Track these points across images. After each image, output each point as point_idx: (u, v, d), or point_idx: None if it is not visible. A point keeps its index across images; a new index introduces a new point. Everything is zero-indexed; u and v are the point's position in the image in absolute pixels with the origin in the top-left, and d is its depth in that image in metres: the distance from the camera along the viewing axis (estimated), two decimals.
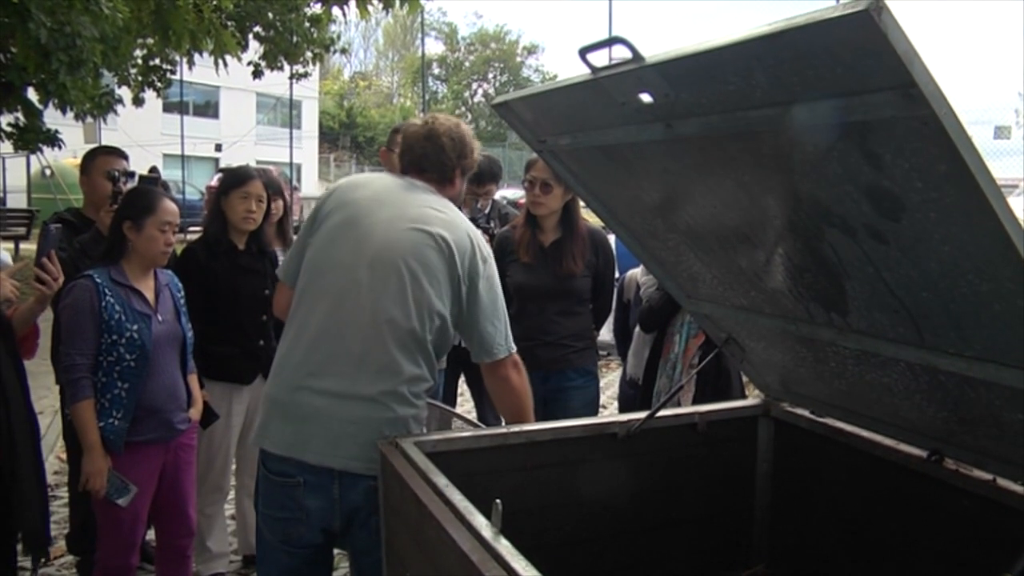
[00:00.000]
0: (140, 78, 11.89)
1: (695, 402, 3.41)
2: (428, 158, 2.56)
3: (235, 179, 3.77)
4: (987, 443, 2.04)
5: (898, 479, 2.38)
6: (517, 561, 1.61)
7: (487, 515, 1.80)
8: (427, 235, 2.40)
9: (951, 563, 2.21)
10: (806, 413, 2.73)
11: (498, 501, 1.77)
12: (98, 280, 3.05)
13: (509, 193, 21.32)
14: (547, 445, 2.52)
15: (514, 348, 2.52)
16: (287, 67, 12.06)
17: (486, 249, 2.51)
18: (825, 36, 1.22)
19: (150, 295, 3.18)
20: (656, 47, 1.58)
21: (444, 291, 2.41)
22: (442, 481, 2.02)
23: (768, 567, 2.89)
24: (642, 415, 2.66)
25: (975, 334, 1.68)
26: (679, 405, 2.96)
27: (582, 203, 2.94)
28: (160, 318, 3.17)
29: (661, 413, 2.68)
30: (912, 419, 2.20)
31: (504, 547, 1.67)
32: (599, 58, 1.75)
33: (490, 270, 2.49)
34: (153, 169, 17.18)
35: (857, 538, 2.56)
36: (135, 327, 3.05)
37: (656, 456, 2.72)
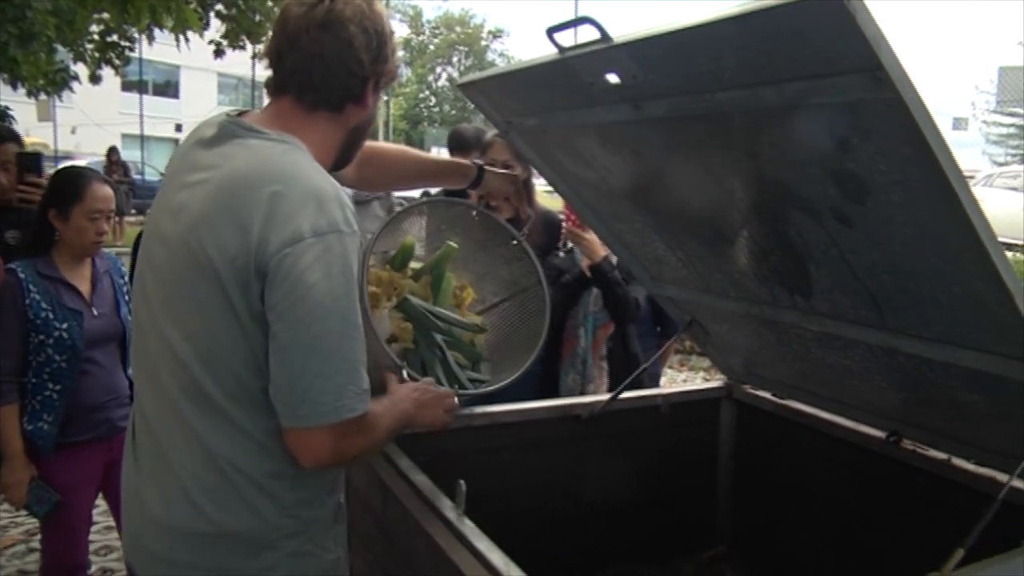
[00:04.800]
0: (97, 54, 11.63)
1: (610, 392, 3.39)
2: (325, 62, 1.54)
3: None
4: (943, 424, 2.08)
5: (858, 459, 2.41)
6: (481, 541, 1.61)
7: (451, 497, 1.80)
8: (175, 230, 1.51)
9: (908, 540, 2.25)
10: (768, 395, 2.75)
11: (462, 482, 1.77)
12: (22, 275, 2.83)
13: None
14: (511, 427, 2.51)
15: (354, 410, 1.46)
16: (249, 46, 11.89)
17: (312, 221, 1.41)
18: (794, 18, 1.22)
19: (85, 287, 2.96)
20: (625, 29, 1.58)
21: (230, 309, 1.46)
22: (405, 463, 2.02)
23: (730, 547, 2.92)
24: (605, 397, 2.68)
25: (935, 316, 1.70)
26: (640, 388, 2.96)
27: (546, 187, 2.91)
28: (95, 312, 2.95)
29: (625, 395, 2.69)
30: (872, 400, 2.24)
31: (469, 528, 1.67)
32: (567, 38, 1.74)
33: (305, 264, 1.40)
34: (112, 150, 16.91)
35: (817, 517, 2.60)
36: (64, 326, 2.84)
37: (619, 438, 2.73)
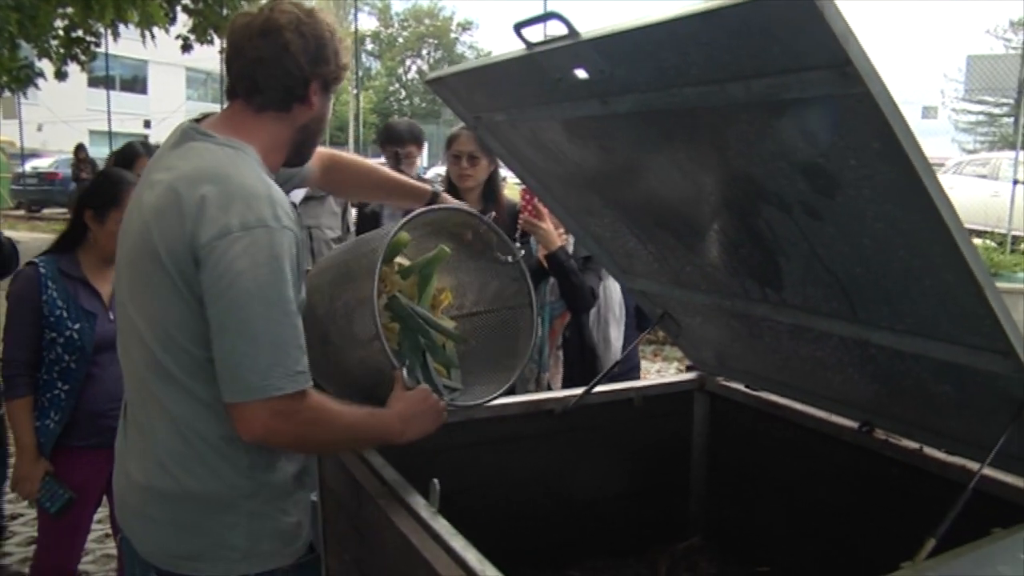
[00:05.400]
0: (62, 50, 11.42)
1: (565, 381, 3.41)
2: (264, 66, 1.70)
3: (124, 163, 3.40)
4: (915, 414, 2.09)
5: (830, 450, 2.43)
6: (456, 540, 1.61)
7: (425, 495, 1.79)
8: (137, 222, 1.70)
9: (881, 529, 2.27)
10: (741, 387, 2.76)
11: (435, 480, 1.77)
12: (43, 270, 2.86)
13: (444, 170, 20.98)
14: (484, 423, 2.50)
15: (282, 388, 1.58)
16: (217, 41, 11.75)
17: (240, 217, 1.58)
18: (761, 15, 1.22)
19: (106, 289, 2.94)
20: (593, 23, 1.57)
21: (177, 292, 1.63)
22: (379, 461, 2.00)
23: (705, 538, 2.93)
24: (579, 391, 2.67)
25: (906, 308, 1.71)
26: (614, 381, 2.96)
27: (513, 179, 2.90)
28: (112, 316, 2.88)
29: (597, 389, 2.69)
30: (844, 391, 2.25)
31: (443, 526, 1.67)
32: (534, 34, 1.73)
33: (233, 255, 1.56)
34: (80, 147, 16.68)
35: (791, 508, 2.61)
36: (76, 326, 2.85)
37: (593, 432, 2.73)
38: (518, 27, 1.72)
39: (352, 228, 3.81)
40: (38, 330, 2.84)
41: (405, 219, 2.09)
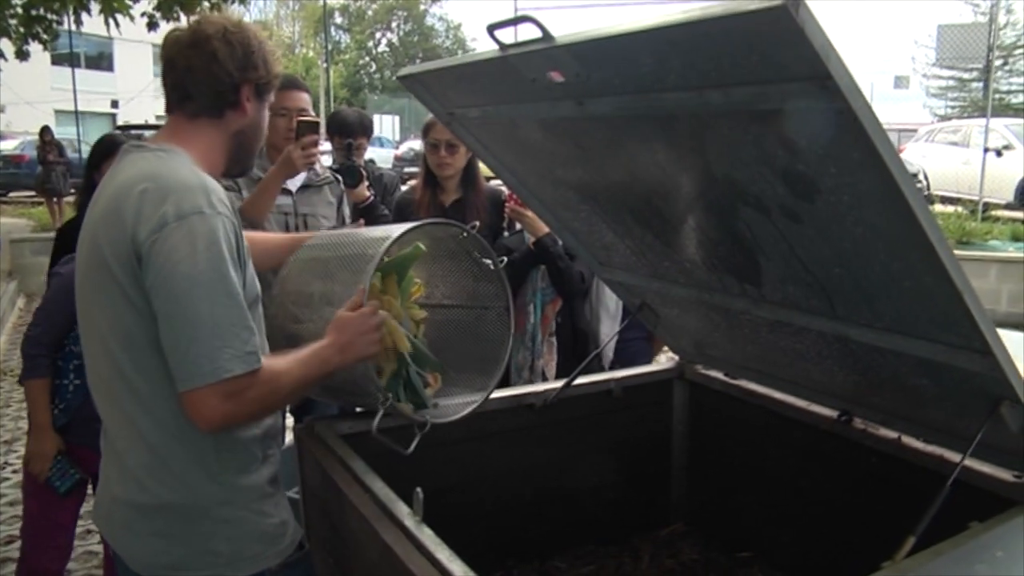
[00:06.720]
0: (22, 29, 11.17)
1: (559, 369, 3.40)
2: (194, 74, 1.77)
3: (107, 150, 3.38)
4: (893, 404, 2.11)
5: (810, 438, 2.44)
6: (441, 551, 1.59)
7: (408, 500, 1.78)
8: (88, 237, 1.74)
9: (860, 518, 2.28)
10: (720, 375, 2.77)
11: (419, 490, 1.75)
12: None
13: (417, 144, 20.88)
14: (466, 419, 2.49)
15: (232, 370, 1.59)
16: (184, 18, 11.54)
17: (175, 208, 1.61)
18: (742, 27, 1.20)
19: None
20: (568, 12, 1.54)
21: (127, 298, 1.65)
22: (360, 466, 1.99)
23: (687, 525, 2.95)
24: (558, 384, 2.67)
25: (885, 307, 1.71)
26: (597, 372, 2.96)
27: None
28: None
29: (578, 381, 2.69)
30: (823, 382, 2.26)
31: (427, 536, 1.65)
32: (508, 35, 1.70)
33: (171, 244, 1.59)
34: (45, 129, 16.39)
35: (771, 495, 2.63)
36: None
37: (574, 424, 2.73)
38: (491, 29, 1.69)
39: (347, 220, 3.75)
40: (73, 324, 2.76)
41: (389, 241, 2.04)
